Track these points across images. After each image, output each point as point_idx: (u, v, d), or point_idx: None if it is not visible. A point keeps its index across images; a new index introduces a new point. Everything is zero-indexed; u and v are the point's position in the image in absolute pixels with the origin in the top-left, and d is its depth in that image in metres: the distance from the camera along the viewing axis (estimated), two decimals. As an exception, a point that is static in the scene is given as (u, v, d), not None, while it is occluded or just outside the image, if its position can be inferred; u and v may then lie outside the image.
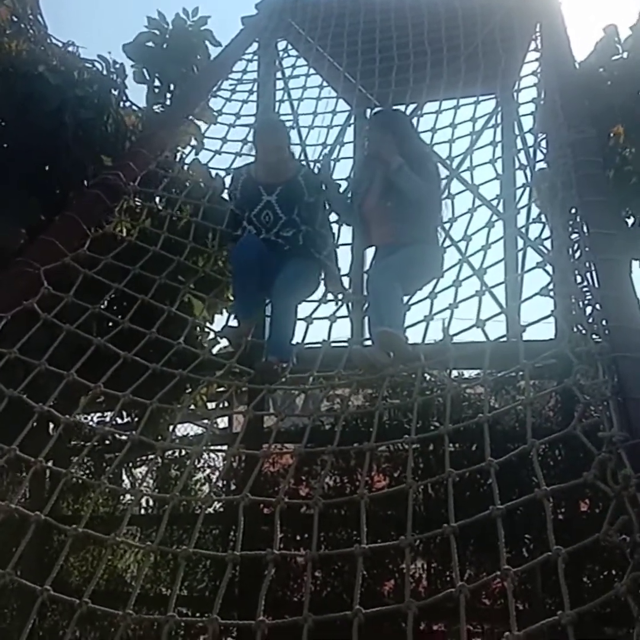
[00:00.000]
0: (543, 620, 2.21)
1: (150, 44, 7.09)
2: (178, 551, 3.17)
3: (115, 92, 5.91)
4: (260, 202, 4.53)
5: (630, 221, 5.68)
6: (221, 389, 5.89)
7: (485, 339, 3.68)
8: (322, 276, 4.58)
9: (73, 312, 3.80)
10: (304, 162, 5.09)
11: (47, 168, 5.54)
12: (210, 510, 7.53)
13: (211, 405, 6.79)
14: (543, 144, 4.54)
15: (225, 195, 5.03)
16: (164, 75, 6.98)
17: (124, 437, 3.92)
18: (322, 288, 4.61)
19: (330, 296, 4.57)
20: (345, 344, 4.38)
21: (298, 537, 6.82)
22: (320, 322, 4.40)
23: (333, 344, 4.23)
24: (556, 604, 5.82)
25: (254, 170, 4.71)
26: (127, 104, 6.06)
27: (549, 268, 3.73)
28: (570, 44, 5.16)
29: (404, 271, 4.23)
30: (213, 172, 5.41)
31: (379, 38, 6.31)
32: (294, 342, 4.28)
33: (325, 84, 6.48)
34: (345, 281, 4.80)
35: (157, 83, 7.01)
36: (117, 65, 6.00)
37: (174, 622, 2.78)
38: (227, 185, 5.00)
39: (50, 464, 3.29)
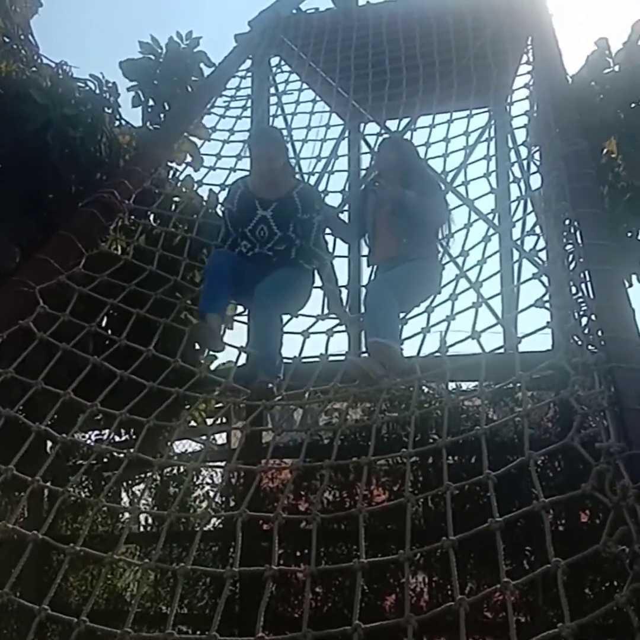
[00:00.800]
0: (544, 632, 2.21)
1: (144, 65, 7.12)
2: (176, 568, 3.16)
3: (109, 111, 5.93)
4: (256, 217, 4.49)
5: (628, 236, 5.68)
6: (219, 405, 5.88)
7: (481, 350, 3.68)
8: (312, 288, 4.52)
9: (69, 330, 3.80)
10: (300, 178, 5.08)
11: (36, 187, 5.53)
12: (209, 527, 7.51)
13: (209, 421, 6.78)
14: (537, 156, 4.56)
15: (219, 210, 5.02)
16: (158, 96, 7.01)
17: (122, 455, 3.92)
18: (314, 303, 4.57)
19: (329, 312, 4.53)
20: (342, 358, 4.34)
21: (298, 553, 6.80)
22: (317, 336, 4.33)
23: (330, 358, 4.21)
24: (558, 616, 5.75)
25: (251, 182, 4.67)
26: (122, 122, 6.07)
27: (544, 279, 3.74)
28: (562, 56, 5.19)
29: (403, 286, 4.21)
30: (208, 188, 5.42)
31: (371, 53, 6.36)
32: (281, 354, 4.21)
33: (318, 98, 6.54)
34: (344, 299, 4.80)
35: (151, 103, 7.04)
36: (110, 84, 6.02)
37: None
38: (222, 199, 4.98)
39: (48, 483, 3.27)
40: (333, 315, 4.52)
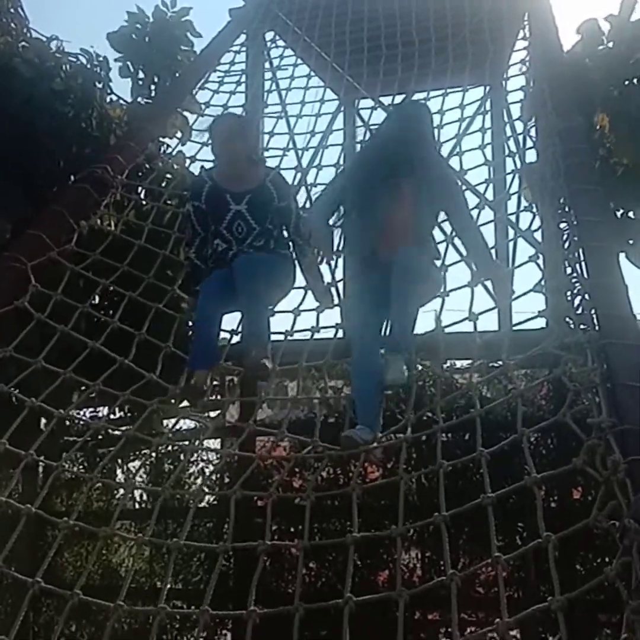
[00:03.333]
0: (538, 605, 2.23)
1: (133, 36, 7.05)
2: (169, 543, 3.20)
3: (100, 85, 5.87)
4: (229, 213, 4.15)
5: (618, 214, 5.66)
6: (214, 382, 5.89)
7: (474, 330, 3.68)
8: (295, 275, 4.26)
9: (61, 307, 3.79)
10: (271, 167, 4.70)
11: (24, 162, 5.48)
12: (204, 503, 7.54)
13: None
14: (532, 132, 4.54)
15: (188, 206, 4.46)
16: (148, 67, 6.94)
17: (117, 432, 3.94)
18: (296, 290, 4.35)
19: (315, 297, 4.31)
20: (333, 330, 4.22)
21: (292, 529, 6.83)
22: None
23: (322, 330, 4.17)
24: (550, 591, 5.80)
25: (217, 175, 4.29)
26: (112, 97, 6.02)
27: (540, 261, 3.73)
28: (558, 32, 5.16)
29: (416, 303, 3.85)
30: (200, 164, 5.37)
31: (366, 28, 6.32)
32: (270, 332, 3.99)
33: (313, 74, 6.50)
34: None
35: (141, 75, 6.97)
36: (101, 58, 5.96)
37: (166, 614, 2.79)
38: (188, 194, 4.49)
39: (42, 459, 3.29)
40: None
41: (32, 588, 2.75)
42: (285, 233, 4.30)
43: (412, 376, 3.68)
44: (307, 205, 5.17)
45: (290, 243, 4.30)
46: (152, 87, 6.96)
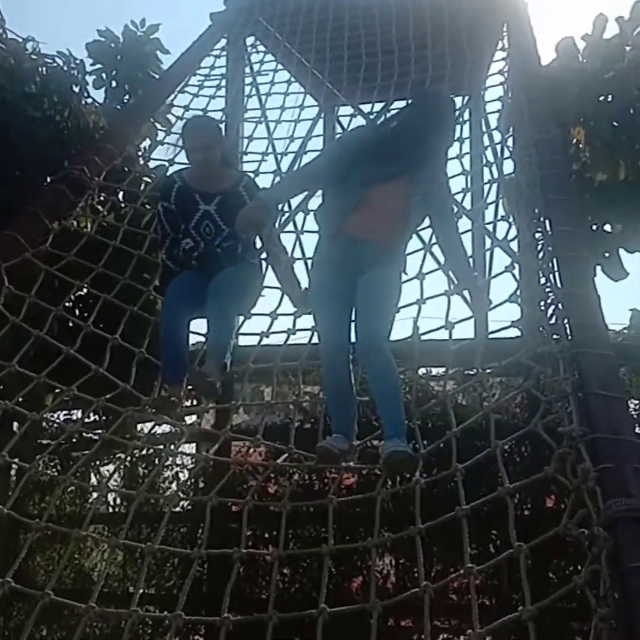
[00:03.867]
0: (507, 614, 2.25)
1: (110, 46, 7.04)
2: (144, 546, 3.19)
3: (76, 89, 5.85)
4: (198, 212, 4.11)
5: (594, 227, 5.71)
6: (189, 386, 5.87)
7: (450, 338, 3.69)
8: (262, 285, 4.22)
9: (34, 309, 3.76)
10: (245, 172, 4.69)
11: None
12: (178, 508, 7.51)
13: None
14: (510, 141, 4.58)
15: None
16: (120, 79, 6.91)
17: (91, 435, 3.92)
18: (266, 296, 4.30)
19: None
20: (308, 332, 4.14)
21: (266, 535, 6.80)
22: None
23: (297, 334, 4.17)
24: (522, 599, 5.86)
25: (188, 175, 4.24)
26: (88, 100, 6.00)
27: (516, 271, 3.75)
28: (536, 44, 5.21)
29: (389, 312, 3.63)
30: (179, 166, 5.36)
31: (347, 36, 6.35)
32: (231, 347, 3.89)
33: (293, 80, 6.52)
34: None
35: (113, 84, 6.95)
36: (78, 62, 5.94)
37: (138, 617, 2.79)
38: (158, 195, 4.40)
39: (15, 461, 3.26)
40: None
41: (2, 588, 2.75)
42: (256, 240, 4.22)
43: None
44: (284, 208, 5.16)
45: (262, 250, 4.24)
46: (125, 97, 6.94)
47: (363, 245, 3.64)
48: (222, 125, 5.80)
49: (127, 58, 6.96)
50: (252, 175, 5.21)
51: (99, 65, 7.05)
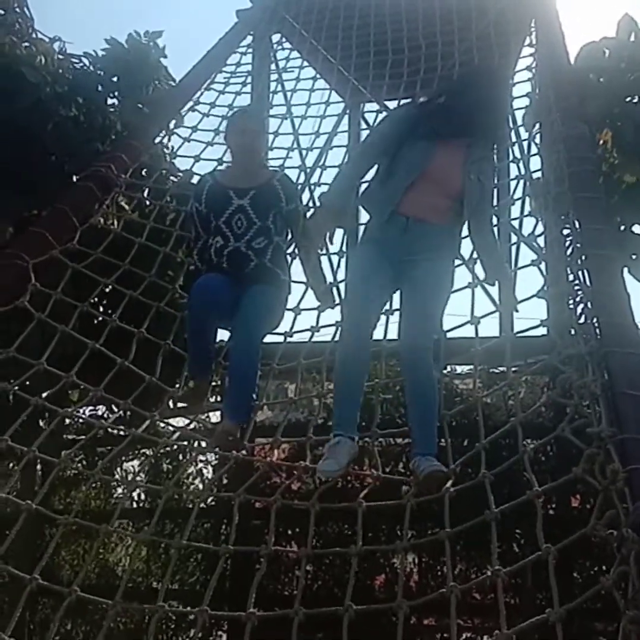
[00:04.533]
0: (533, 614, 2.24)
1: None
2: (172, 542, 3.22)
3: (102, 88, 5.89)
4: (231, 207, 4.01)
5: (621, 228, 5.66)
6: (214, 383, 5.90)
7: (476, 334, 3.67)
8: (288, 299, 4.12)
9: (60, 306, 3.79)
10: (279, 169, 4.61)
11: (27, 166, 5.47)
12: (202, 504, 7.54)
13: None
14: (537, 138, 4.54)
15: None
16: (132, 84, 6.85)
17: (122, 432, 3.95)
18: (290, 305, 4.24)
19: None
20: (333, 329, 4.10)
21: (289, 531, 6.82)
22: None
23: (321, 331, 4.16)
24: (546, 599, 5.84)
25: (221, 174, 4.24)
26: (114, 101, 6.03)
27: (542, 266, 3.72)
28: (565, 40, 5.16)
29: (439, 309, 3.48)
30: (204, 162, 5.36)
31: (373, 32, 6.32)
32: (255, 395, 3.85)
33: (318, 76, 6.52)
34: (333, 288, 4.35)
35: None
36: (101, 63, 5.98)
37: (164, 613, 2.80)
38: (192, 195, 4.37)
39: (42, 456, 3.29)
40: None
41: (29, 585, 2.77)
42: (287, 239, 4.18)
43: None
44: (310, 204, 5.17)
45: (294, 247, 4.23)
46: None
47: (420, 227, 3.47)
48: None
49: (135, 63, 6.90)
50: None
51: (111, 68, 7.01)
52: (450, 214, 3.53)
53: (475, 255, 3.82)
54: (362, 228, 4.13)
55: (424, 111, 3.64)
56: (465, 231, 3.74)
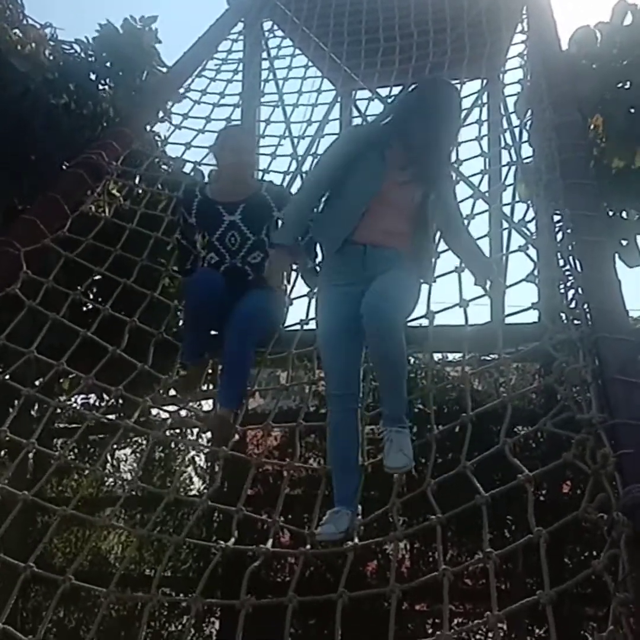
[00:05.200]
0: (523, 598, 2.26)
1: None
2: (169, 538, 3.23)
3: (94, 76, 5.85)
4: (223, 224, 3.97)
5: (610, 214, 5.68)
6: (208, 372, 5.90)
7: (465, 322, 3.66)
8: (287, 309, 4.10)
9: (51, 294, 3.78)
10: (262, 179, 4.62)
11: (17, 154, 5.43)
12: (194, 492, 7.57)
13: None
14: (528, 125, 4.54)
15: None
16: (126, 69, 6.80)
17: (110, 420, 3.95)
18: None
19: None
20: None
21: (282, 518, 6.84)
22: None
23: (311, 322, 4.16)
24: (537, 583, 5.87)
25: (209, 189, 4.13)
26: (106, 87, 5.99)
27: (532, 252, 3.73)
28: (557, 27, 5.15)
29: (406, 307, 3.28)
30: (196, 149, 5.34)
31: (365, 20, 6.31)
32: (246, 385, 3.83)
33: (310, 64, 6.50)
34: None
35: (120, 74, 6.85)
36: (93, 48, 5.94)
37: (158, 601, 2.82)
38: (177, 204, 4.38)
39: (33, 447, 3.29)
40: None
41: (24, 572, 2.79)
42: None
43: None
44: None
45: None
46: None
47: (379, 253, 3.25)
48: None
49: (129, 49, 6.85)
50: (269, 159, 5.24)
51: (104, 55, 6.96)
52: (409, 238, 3.33)
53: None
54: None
55: (373, 131, 3.49)
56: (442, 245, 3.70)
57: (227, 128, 4.37)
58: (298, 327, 4.13)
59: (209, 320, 3.86)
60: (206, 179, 4.79)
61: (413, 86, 3.71)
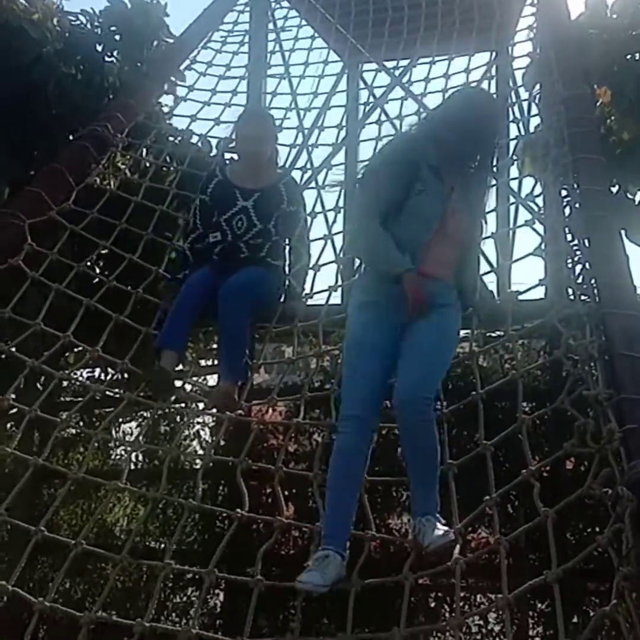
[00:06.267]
0: (527, 574, 2.28)
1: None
2: (184, 502, 3.35)
3: (100, 47, 5.80)
4: (235, 207, 3.99)
5: (614, 190, 5.62)
6: (213, 346, 5.90)
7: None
8: (283, 288, 4.07)
9: (56, 266, 3.78)
10: (285, 172, 4.52)
11: (29, 123, 5.41)
12: (199, 466, 7.59)
13: (202, 362, 6.81)
14: (537, 99, 4.50)
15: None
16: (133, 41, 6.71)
17: (115, 394, 3.97)
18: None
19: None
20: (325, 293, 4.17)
21: (286, 493, 6.88)
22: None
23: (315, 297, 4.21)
24: (540, 559, 5.91)
25: (230, 171, 4.16)
26: (113, 60, 5.94)
27: (538, 227, 3.71)
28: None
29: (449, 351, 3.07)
30: (202, 122, 5.32)
31: (372, -10, 6.22)
32: (248, 360, 3.82)
33: (317, 35, 6.44)
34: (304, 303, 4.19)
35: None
36: (101, 20, 5.88)
37: (170, 570, 2.84)
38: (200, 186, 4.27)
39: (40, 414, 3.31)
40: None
41: (35, 536, 2.83)
42: (286, 240, 4.14)
43: None
44: (308, 165, 5.15)
45: (289, 249, 4.16)
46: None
47: (433, 285, 2.99)
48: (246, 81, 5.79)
49: (137, 21, 6.76)
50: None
51: (113, 28, 6.89)
52: (454, 266, 3.11)
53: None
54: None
55: (420, 145, 3.13)
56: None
57: (247, 114, 4.32)
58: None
59: (190, 316, 3.80)
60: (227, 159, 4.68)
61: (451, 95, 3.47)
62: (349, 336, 3.11)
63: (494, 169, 3.44)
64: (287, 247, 4.17)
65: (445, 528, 2.80)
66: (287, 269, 4.14)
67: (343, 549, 2.79)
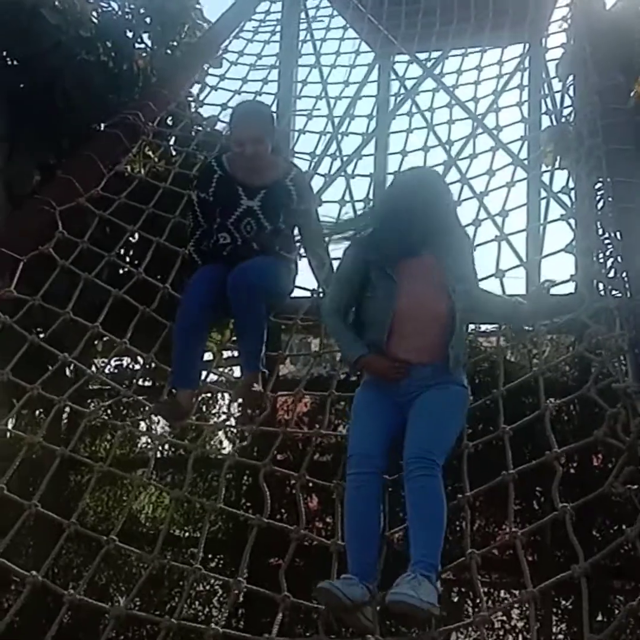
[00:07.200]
0: (552, 571, 2.27)
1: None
2: (206, 503, 3.43)
3: (130, 33, 5.80)
4: (240, 208, 3.71)
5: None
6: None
7: (502, 293, 3.61)
8: (296, 276, 3.88)
9: (86, 254, 3.80)
10: (295, 164, 4.19)
11: (50, 110, 5.40)
12: (224, 454, 7.61)
13: (226, 354, 6.82)
14: (571, 90, 4.45)
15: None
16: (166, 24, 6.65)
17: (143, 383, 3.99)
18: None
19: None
20: None
21: (310, 484, 6.87)
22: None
23: None
24: (565, 556, 5.86)
25: (231, 165, 3.78)
26: (141, 46, 5.94)
27: (571, 222, 3.66)
28: (603, -11, 5.01)
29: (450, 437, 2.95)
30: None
31: (405, -20, 6.18)
32: (263, 348, 3.60)
33: (348, 26, 6.42)
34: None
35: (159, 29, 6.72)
36: (132, 6, 5.87)
37: (200, 575, 2.92)
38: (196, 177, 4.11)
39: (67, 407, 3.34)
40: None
41: (68, 529, 2.89)
42: (296, 233, 3.95)
43: None
44: (336, 154, 5.15)
45: (302, 244, 4.01)
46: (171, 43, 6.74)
47: (418, 371, 2.97)
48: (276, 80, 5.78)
49: (170, 4, 6.72)
50: (305, 119, 5.20)
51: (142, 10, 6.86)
52: (445, 346, 2.98)
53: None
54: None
55: (364, 243, 3.16)
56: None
57: (237, 115, 3.83)
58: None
59: (199, 338, 3.64)
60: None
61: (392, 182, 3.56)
62: (353, 413, 3.11)
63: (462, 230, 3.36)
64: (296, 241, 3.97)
65: (433, 595, 2.54)
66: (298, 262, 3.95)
67: (372, 578, 2.71)
